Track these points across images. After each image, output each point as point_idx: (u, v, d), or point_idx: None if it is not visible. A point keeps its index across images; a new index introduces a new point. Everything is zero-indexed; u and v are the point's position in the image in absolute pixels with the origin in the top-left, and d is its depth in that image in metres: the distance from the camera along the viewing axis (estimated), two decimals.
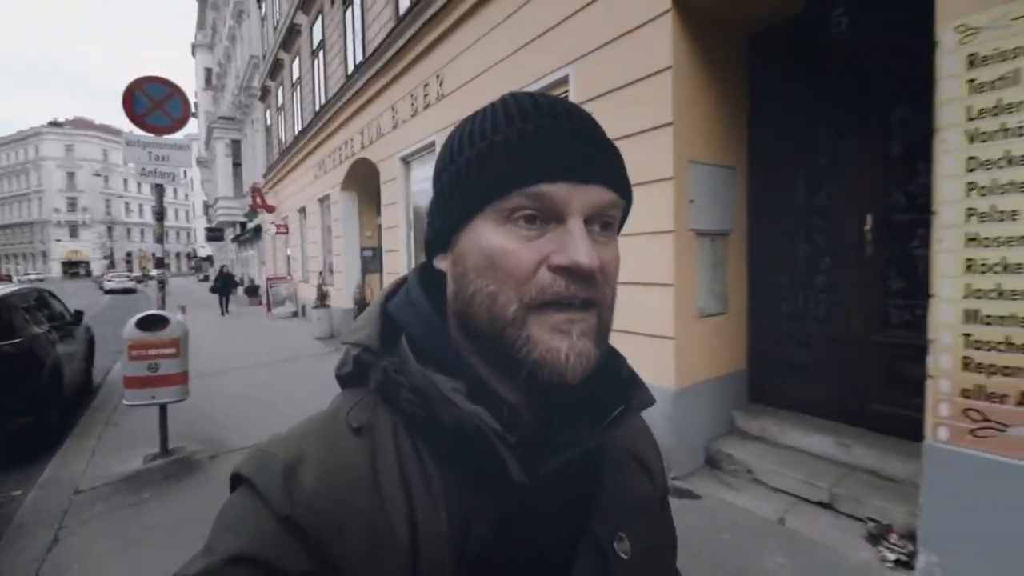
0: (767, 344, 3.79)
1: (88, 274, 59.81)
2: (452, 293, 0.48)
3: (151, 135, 4.04)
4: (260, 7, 17.27)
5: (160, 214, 4.25)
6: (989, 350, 2.05)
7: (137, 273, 51.08)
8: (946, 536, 2.20)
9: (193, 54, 36.89)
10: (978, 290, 2.07)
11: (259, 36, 17.56)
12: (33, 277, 47.25)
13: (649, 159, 3.32)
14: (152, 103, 3.97)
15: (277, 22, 14.46)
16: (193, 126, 57.71)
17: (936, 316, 2.20)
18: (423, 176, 7.02)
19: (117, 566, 2.72)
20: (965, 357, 2.11)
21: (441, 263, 0.50)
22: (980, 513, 2.09)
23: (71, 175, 61.95)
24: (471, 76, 5.38)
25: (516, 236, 0.43)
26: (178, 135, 4.22)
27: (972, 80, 2.05)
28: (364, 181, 9.33)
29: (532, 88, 4.52)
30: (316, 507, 0.41)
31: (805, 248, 3.53)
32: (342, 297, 10.11)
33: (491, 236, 0.44)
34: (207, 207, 34.67)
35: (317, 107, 11.14)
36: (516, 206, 0.43)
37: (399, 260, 7.65)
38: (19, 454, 4.32)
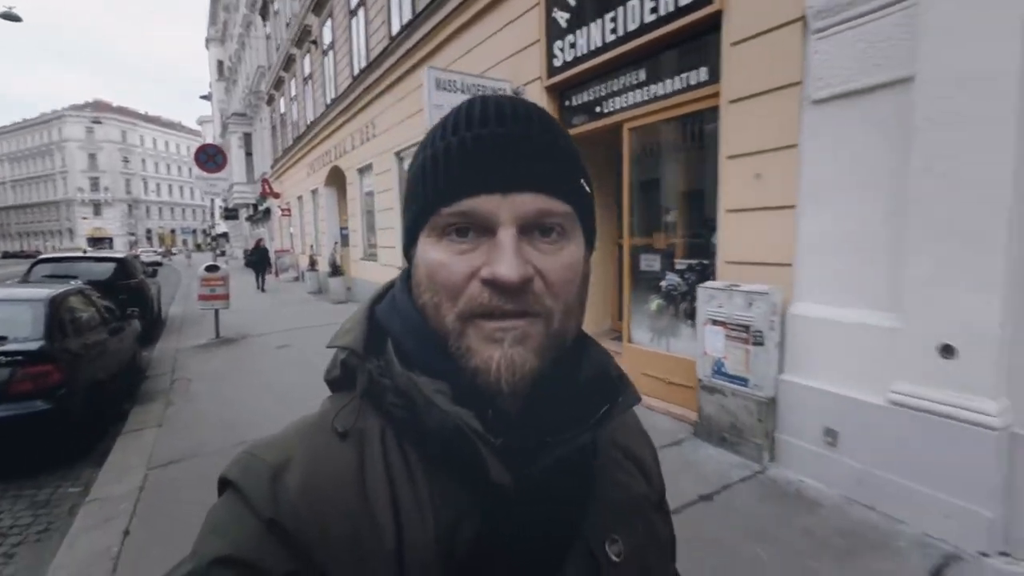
0: None
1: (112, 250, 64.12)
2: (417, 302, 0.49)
3: (208, 173, 7.85)
4: (265, 26, 20.74)
5: (213, 212, 8.03)
6: None
7: (160, 249, 55.49)
8: None
9: (207, 47, 40.42)
10: None
11: (264, 49, 21.08)
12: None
13: None
14: (208, 156, 7.76)
15: (279, 44, 18.00)
16: (206, 108, 60.87)
17: None
18: (369, 183, 10.75)
19: (205, 365, 6.59)
20: None
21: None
22: None
23: (92, 156, 65.69)
24: (384, 129, 9.08)
25: (450, 250, 0.43)
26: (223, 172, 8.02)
27: None
28: (340, 181, 13.03)
29: (404, 150, 8.19)
30: (301, 510, 0.41)
31: None
32: (324, 264, 13.96)
33: (431, 251, 0.44)
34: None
35: (308, 121, 14.78)
36: (446, 223, 0.43)
37: (358, 238, 11.46)
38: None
